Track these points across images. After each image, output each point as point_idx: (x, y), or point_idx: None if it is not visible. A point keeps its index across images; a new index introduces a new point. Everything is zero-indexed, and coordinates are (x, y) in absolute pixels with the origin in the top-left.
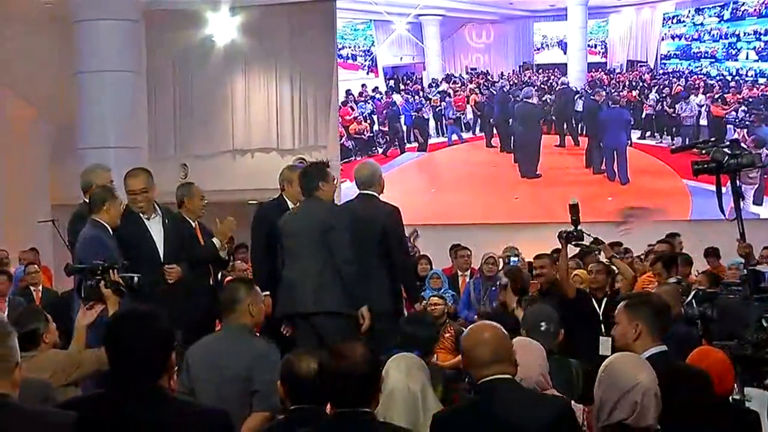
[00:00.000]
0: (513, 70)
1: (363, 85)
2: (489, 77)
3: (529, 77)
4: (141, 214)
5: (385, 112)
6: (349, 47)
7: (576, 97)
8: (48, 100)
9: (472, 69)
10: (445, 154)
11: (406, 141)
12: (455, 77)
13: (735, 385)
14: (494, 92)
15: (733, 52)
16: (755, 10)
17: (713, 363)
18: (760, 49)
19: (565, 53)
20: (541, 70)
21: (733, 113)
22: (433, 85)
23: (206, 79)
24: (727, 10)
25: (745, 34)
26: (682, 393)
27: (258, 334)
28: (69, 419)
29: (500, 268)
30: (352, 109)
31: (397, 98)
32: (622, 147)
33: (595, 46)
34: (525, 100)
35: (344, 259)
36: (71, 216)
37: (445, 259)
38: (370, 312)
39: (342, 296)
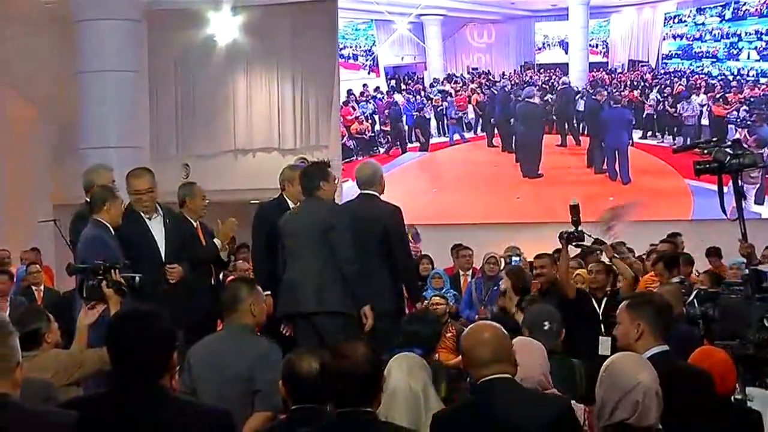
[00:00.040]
0: (514, 70)
1: (364, 85)
2: (490, 77)
3: (531, 77)
4: (142, 214)
5: (386, 111)
6: (351, 47)
7: (577, 97)
8: (49, 100)
9: (473, 69)
10: (446, 153)
11: (407, 141)
12: (456, 77)
13: (737, 384)
14: (495, 92)
15: (735, 52)
16: (756, 9)
17: (715, 363)
18: (761, 48)
19: (566, 53)
20: (542, 70)
21: (735, 113)
22: (435, 84)
23: (208, 79)
24: (728, 9)
25: (746, 33)
26: (683, 393)
27: (258, 334)
28: (70, 419)
29: (502, 267)
30: (354, 109)
31: (398, 98)
32: (624, 147)
33: (597, 45)
34: (526, 99)
35: (346, 258)
36: (73, 216)
37: (447, 259)
38: (372, 311)
39: (343, 296)
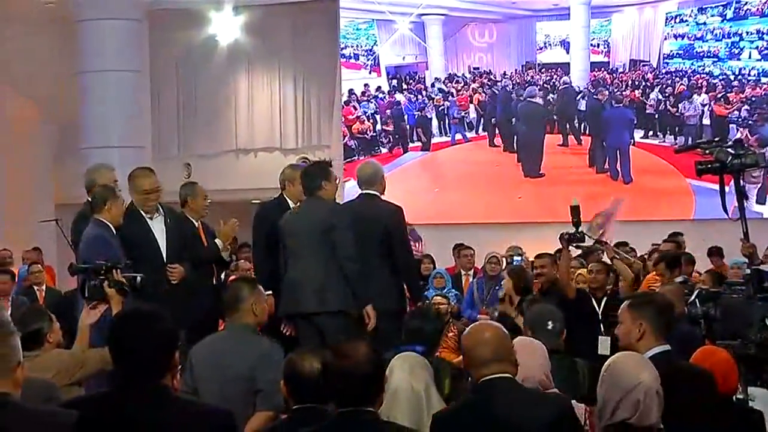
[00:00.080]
0: (516, 70)
1: (366, 85)
2: (491, 77)
3: (532, 77)
4: (144, 214)
5: (388, 111)
6: (352, 47)
7: (579, 97)
8: (50, 100)
9: (474, 68)
10: (448, 153)
11: (409, 140)
12: (458, 77)
13: (739, 384)
14: (497, 92)
15: (736, 52)
16: (758, 9)
17: (717, 362)
18: (762, 48)
19: (567, 53)
20: (543, 70)
21: (736, 112)
22: (436, 83)
23: (209, 79)
24: (729, 9)
25: (747, 33)
26: (685, 392)
27: (260, 334)
28: (71, 419)
29: (503, 267)
30: (355, 109)
31: (400, 98)
32: (625, 146)
33: (598, 45)
34: (528, 99)
35: (347, 257)
36: (75, 215)
37: (449, 259)
38: (374, 311)
39: (345, 295)
